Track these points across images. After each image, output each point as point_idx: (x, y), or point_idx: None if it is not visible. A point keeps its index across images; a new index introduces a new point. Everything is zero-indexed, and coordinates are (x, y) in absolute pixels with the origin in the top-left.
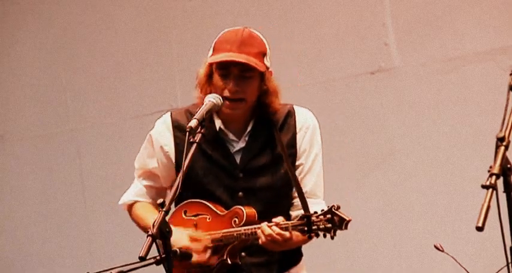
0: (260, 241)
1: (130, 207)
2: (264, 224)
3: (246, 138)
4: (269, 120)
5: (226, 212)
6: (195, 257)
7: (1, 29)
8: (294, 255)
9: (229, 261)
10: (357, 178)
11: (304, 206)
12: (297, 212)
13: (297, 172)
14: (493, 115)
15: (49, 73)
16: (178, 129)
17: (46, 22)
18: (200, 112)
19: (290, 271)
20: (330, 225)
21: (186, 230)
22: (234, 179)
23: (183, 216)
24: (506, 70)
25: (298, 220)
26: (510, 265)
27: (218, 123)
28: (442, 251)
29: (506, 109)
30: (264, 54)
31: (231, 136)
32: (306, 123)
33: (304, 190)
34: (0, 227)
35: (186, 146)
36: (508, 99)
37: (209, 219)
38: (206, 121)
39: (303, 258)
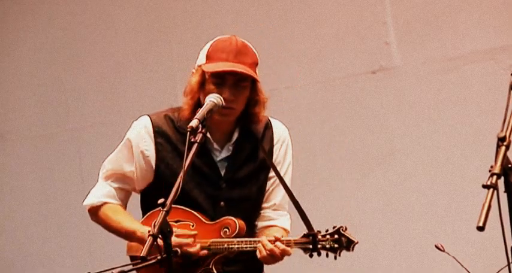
0: (259, 255)
1: (97, 208)
2: (265, 239)
3: (231, 148)
4: (252, 131)
5: (216, 221)
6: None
7: (1, 29)
8: (259, 263)
9: (215, 271)
10: (357, 178)
11: (308, 224)
12: (262, 223)
13: (268, 184)
14: (493, 115)
15: (49, 73)
16: (159, 134)
17: (46, 22)
18: (201, 112)
19: None
20: (337, 245)
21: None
22: (216, 188)
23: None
24: (506, 70)
25: (302, 238)
26: (511, 265)
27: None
28: (443, 251)
29: (507, 109)
30: (256, 64)
31: (215, 145)
32: (282, 135)
33: (273, 202)
34: (0, 227)
35: (187, 146)
36: (508, 99)
37: (193, 226)
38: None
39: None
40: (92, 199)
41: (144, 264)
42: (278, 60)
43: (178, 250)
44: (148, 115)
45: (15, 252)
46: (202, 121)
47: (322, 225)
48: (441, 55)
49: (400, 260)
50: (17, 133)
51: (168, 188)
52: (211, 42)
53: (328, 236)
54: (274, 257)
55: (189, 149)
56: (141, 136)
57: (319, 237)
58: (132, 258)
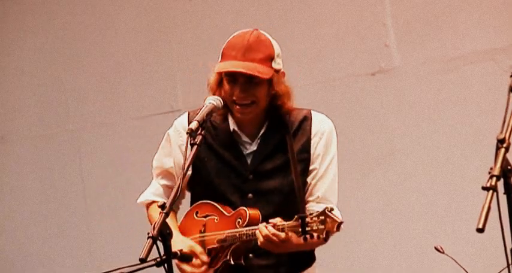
0: (258, 242)
1: (148, 206)
2: (262, 225)
3: (258, 140)
4: (283, 124)
5: (232, 213)
6: (189, 269)
7: (1, 29)
8: (304, 259)
9: (232, 262)
10: (357, 178)
11: (302, 208)
12: None
13: (310, 177)
14: (493, 115)
15: (49, 73)
16: None
17: (46, 22)
18: (201, 114)
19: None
20: (322, 226)
21: (188, 242)
22: (243, 180)
23: (194, 217)
24: (506, 70)
25: (293, 221)
26: (510, 267)
27: (232, 125)
28: (443, 252)
29: (506, 111)
30: (271, 58)
31: (244, 138)
32: (321, 128)
33: (316, 195)
34: (0, 227)
35: (186, 148)
36: (508, 101)
37: (217, 220)
38: (220, 121)
39: (315, 262)
40: (142, 197)
41: (143, 265)
42: None
43: (178, 252)
44: (189, 111)
45: (15, 252)
46: (202, 123)
47: None
48: (441, 56)
49: (400, 260)
50: (17, 133)
51: (203, 184)
52: (229, 38)
53: (315, 218)
54: (271, 243)
55: (190, 150)
56: (178, 131)
57: (308, 219)
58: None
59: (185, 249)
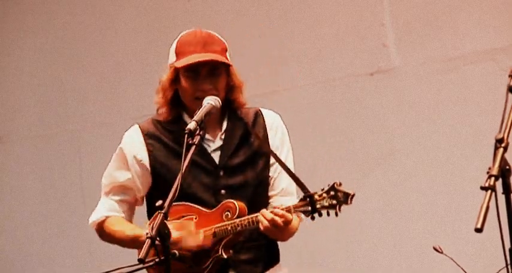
0: (261, 227)
1: (101, 224)
2: (264, 210)
3: (222, 136)
4: (241, 118)
5: (215, 208)
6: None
7: (1, 29)
8: (276, 253)
9: (225, 256)
10: (357, 178)
11: (302, 187)
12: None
13: (271, 171)
14: (493, 115)
15: (49, 73)
16: (149, 136)
17: (46, 22)
18: (199, 114)
19: (274, 268)
20: (335, 201)
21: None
22: (215, 177)
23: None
24: (506, 71)
25: (300, 201)
26: (509, 266)
27: None
28: (441, 252)
29: (504, 111)
30: (226, 50)
31: (206, 136)
32: (275, 122)
33: (280, 189)
34: (0, 227)
35: (185, 148)
36: (506, 101)
37: (196, 218)
38: (175, 124)
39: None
40: (94, 216)
41: (142, 266)
42: (278, 60)
43: (176, 252)
44: (137, 123)
45: (15, 252)
46: (200, 123)
47: (322, 225)
48: (441, 56)
49: (400, 260)
50: (17, 133)
51: (168, 188)
52: (176, 39)
53: (324, 194)
54: (276, 227)
55: (187, 151)
56: (131, 143)
57: (316, 197)
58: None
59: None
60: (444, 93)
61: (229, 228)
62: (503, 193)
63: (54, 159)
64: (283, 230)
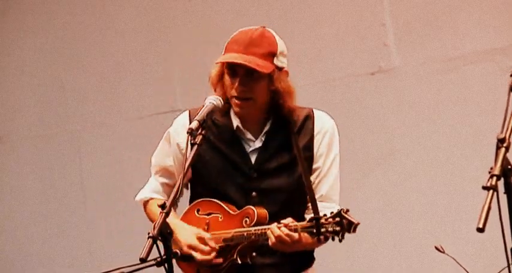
0: (270, 242)
1: (146, 203)
2: (274, 225)
3: (263, 138)
4: (287, 122)
5: (238, 211)
6: (200, 256)
7: (1, 29)
8: (306, 258)
9: (239, 261)
10: (357, 178)
11: (314, 208)
12: (309, 215)
13: (313, 176)
14: (493, 115)
15: (49, 73)
16: None
17: (46, 22)
18: (201, 114)
19: None
20: (338, 228)
21: (195, 229)
22: (247, 179)
23: (196, 214)
24: (506, 71)
25: (307, 222)
26: (511, 266)
27: (236, 122)
28: (443, 252)
29: (506, 111)
30: (273, 54)
31: (248, 135)
32: (324, 126)
33: (319, 194)
34: (0, 227)
35: (187, 147)
36: (508, 101)
37: (221, 218)
38: (223, 119)
39: (315, 262)
40: (141, 195)
41: (143, 265)
42: None
43: (178, 252)
44: (189, 110)
45: (15, 252)
46: (202, 123)
47: None
48: (441, 56)
49: (400, 260)
50: (17, 133)
51: (204, 181)
52: (234, 33)
53: (330, 219)
54: (283, 243)
55: (191, 150)
56: (177, 129)
57: (323, 221)
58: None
59: (192, 237)
60: (444, 93)
61: (244, 234)
62: (504, 193)
63: (54, 159)
64: (291, 246)
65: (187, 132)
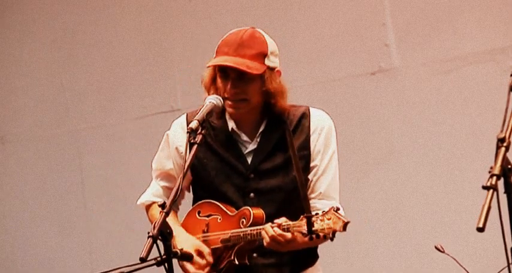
0: (264, 242)
1: (148, 207)
2: (268, 225)
3: (258, 139)
4: (281, 122)
5: (236, 212)
6: (192, 270)
7: (1, 29)
8: (308, 257)
9: (237, 262)
10: (357, 177)
11: (306, 207)
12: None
13: (311, 174)
14: (493, 115)
15: (49, 73)
16: None
17: (46, 22)
18: (201, 114)
19: (305, 272)
20: (329, 226)
21: (195, 241)
22: (245, 180)
23: (197, 216)
24: (506, 71)
25: (299, 221)
26: (511, 266)
27: (231, 124)
28: (443, 252)
29: (506, 111)
30: (264, 55)
31: (244, 137)
32: (320, 124)
33: (318, 192)
34: (0, 227)
35: (186, 147)
36: (508, 100)
37: (220, 219)
38: (218, 121)
39: (319, 260)
40: (142, 199)
41: (143, 265)
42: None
43: (178, 251)
44: (187, 113)
45: (15, 252)
46: (202, 123)
47: None
48: (441, 56)
49: (400, 260)
50: (17, 133)
51: (204, 183)
52: (224, 35)
53: (321, 218)
54: (277, 243)
55: (190, 150)
56: (176, 132)
57: (314, 219)
58: None
59: (191, 248)
60: (444, 93)
61: (241, 235)
62: (504, 193)
63: (54, 159)
64: (285, 245)
65: (187, 132)
